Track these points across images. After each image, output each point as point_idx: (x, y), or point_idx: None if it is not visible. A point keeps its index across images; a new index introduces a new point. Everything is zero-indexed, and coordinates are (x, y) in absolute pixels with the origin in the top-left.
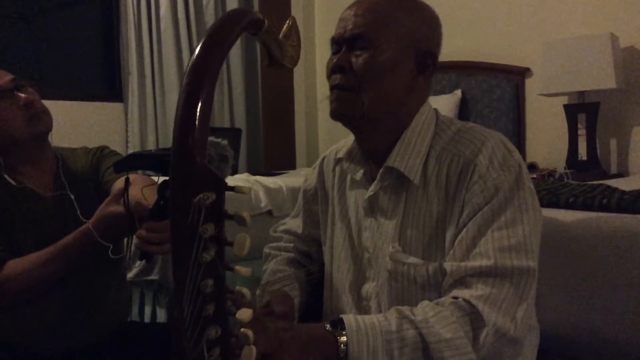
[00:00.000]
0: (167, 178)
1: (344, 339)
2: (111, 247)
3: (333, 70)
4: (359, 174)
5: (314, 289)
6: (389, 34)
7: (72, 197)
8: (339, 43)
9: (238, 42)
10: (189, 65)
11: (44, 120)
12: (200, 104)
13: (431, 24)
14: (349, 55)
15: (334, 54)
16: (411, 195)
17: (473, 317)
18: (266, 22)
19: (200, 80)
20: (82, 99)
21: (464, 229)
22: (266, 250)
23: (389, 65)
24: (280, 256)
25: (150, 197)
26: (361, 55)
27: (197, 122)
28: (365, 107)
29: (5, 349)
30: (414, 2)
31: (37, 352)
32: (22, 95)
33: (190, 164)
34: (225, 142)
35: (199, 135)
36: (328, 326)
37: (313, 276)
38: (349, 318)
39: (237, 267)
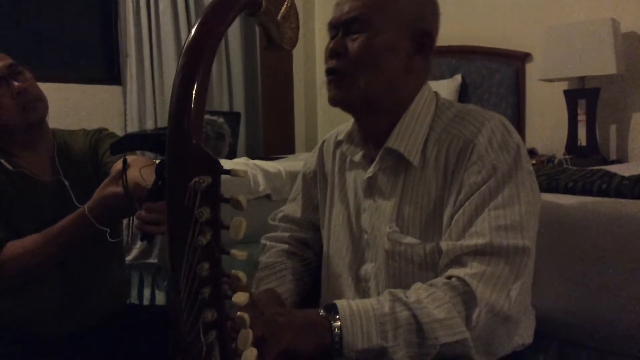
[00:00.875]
0: (164, 158)
1: (338, 323)
2: (109, 230)
3: (329, 55)
4: (358, 156)
5: (311, 276)
6: (385, 16)
7: (67, 183)
8: (335, 27)
9: (237, 25)
10: (185, 46)
11: (37, 109)
12: (196, 86)
13: (428, 5)
14: (345, 39)
15: (332, 38)
16: (409, 176)
17: (466, 297)
18: (264, 3)
19: (196, 62)
20: (80, 82)
21: (461, 209)
22: (263, 241)
23: (386, 47)
24: (275, 248)
25: (148, 178)
26: (357, 39)
27: (192, 104)
28: (363, 90)
29: (5, 331)
30: None
31: (37, 334)
32: (16, 83)
33: (185, 146)
34: (221, 119)
35: (195, 117)
36: (322, 312)
37: (310, 265)
38: (342, 303)
39: (233, 251)
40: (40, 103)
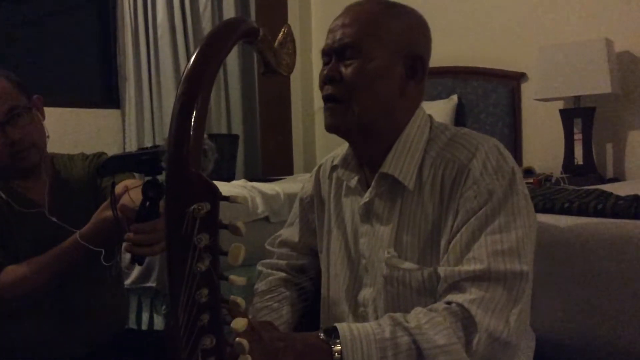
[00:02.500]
0: (150, 178)
1: (338, 347)
2: (104, 253)
3: (324, 81)
4: (354, 181)
5: (307, 304)
6: (376, 42)
7: (54, 219)
8: (328, 54)
9: (235, 47)
10: (184, 75)
11: (30, 157)
12: (194, 114)
13: (419, 29)
14: (338, 65)
15: (325, 65)
16: (406, 201)
17: (466, 322)
18: (261, 31)
19: (194, 91)
20: (79, 106)
21: (458, 234)
22: (259, 267)
23: (378, 72)
24: (273, 276)
25: (137, 198)
26: (351, 65)
27: (191, 133)
28: (357, 115)
29: (3, 356)
30: (401, 8)
31: (34, 359)
32: (12, 131)
33: (184, 174)
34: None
35: (193, 145)
36: (322, 335)
37: (306, 293)
38: (342, 327)
39: (232, 277)
40: (34, 149)
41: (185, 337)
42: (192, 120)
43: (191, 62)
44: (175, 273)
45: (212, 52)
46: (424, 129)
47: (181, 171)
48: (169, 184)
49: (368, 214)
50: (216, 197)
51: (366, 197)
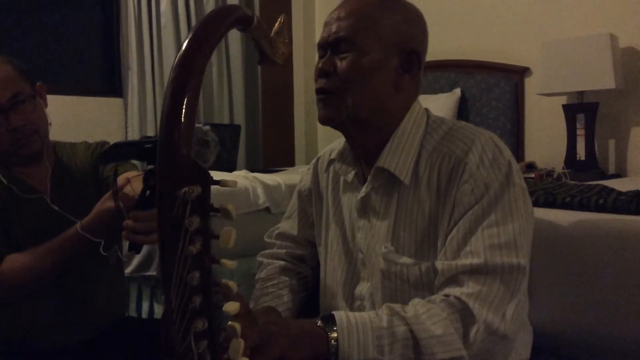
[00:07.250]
0: (152, 167)
1: (334, 335)
2: (103, 243)
3: (319, 74)
4: (351, 175)
5: (309, 292)
6: (371, 36)
7: (56, 208)
8: (324, 47)
9: (238, 38)
10: (176, 60)
11: (32, 144)
12: (186, 99)
13: (415, 23)
14: (333, 59)
15: (320, 58)
16: (403, 195)
17: (464, 314)
18: (255, 19)
19: (186, 75)
20: (81, 94)
21: (455, 228)
22: (259, 258)
23: (373, 66)
24: (272, 265)
25: (138, 188)
26: (345, 58)
27: (182, 117)
28: (350, 108)
29: (2, 343)
30: (397, 2)
31: (34, 346)
32: (14, 117)
33: (176, 157)
34: (207, 127)
35: (185, 129)
36: (319, 322)
37: (306, 280)
38: (340, 314)
39: (223, 260)
40: (36, 136)
41: (177, 320)
42: (184, 105)
43: (183, 49)
44: (167, 256)
45: (203, 39)
46: (420, 123)
47: (172, 154)
48: (160, 168)
49: (365, 208)
50: (207, 180)
51: (362, 191)
